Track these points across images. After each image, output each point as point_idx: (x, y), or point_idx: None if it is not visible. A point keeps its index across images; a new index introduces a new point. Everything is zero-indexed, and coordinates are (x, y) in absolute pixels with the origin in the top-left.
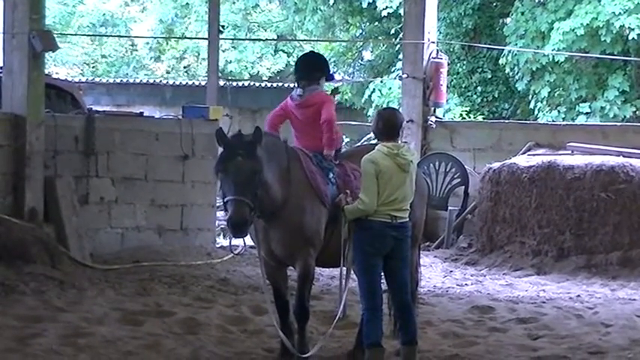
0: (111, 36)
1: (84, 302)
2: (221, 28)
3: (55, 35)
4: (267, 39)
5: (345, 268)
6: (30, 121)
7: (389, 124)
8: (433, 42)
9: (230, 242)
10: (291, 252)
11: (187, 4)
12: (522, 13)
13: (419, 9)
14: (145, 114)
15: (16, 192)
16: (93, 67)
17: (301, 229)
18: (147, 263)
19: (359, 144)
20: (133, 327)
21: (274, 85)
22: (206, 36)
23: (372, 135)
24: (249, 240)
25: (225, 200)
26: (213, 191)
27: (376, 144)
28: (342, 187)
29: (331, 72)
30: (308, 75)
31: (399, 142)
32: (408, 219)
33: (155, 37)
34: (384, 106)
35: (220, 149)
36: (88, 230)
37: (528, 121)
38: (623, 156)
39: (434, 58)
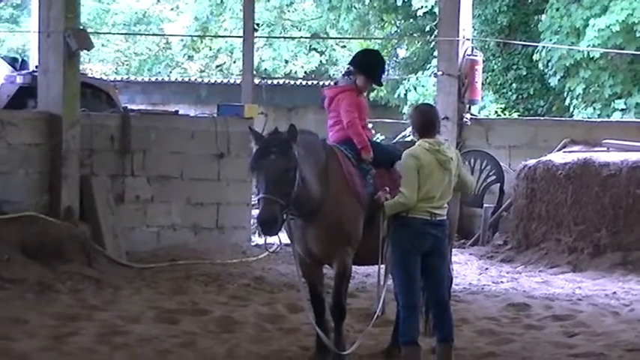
0: (146, 34)
1: (120, 301)
2: (256, 26)
3: (89, 34)
4: (302, 37)
5: (383, 266)
6: (66, 119)
7: (428, 120)
8: (468, 39)
9: (265, 240)
10: (329, 251)
11: (222, 1)
12: (557, 10)
13: (454, 6)
14: (179, 112)
15: (52, 191)
16: (126, 65)
17: (340, 228)
18: (182, 262)
19: (394, 141)
20: (168, 325)
21: (309, 83)
22: (241, 34)
23: (406, 132)
24: (284, 238)
25: (257, 198)
26: (248, 189)
27: (410, 141)
28: (379, 189)
29: (375, 74)
30: (347, 69)
31: (439, 137)
32: (446, 217)
33: (190, 36)
34: (420, 103)
35: (255, 146)
36: (123, 229)
37: (563, 118)
38: None
39: (469, 55)
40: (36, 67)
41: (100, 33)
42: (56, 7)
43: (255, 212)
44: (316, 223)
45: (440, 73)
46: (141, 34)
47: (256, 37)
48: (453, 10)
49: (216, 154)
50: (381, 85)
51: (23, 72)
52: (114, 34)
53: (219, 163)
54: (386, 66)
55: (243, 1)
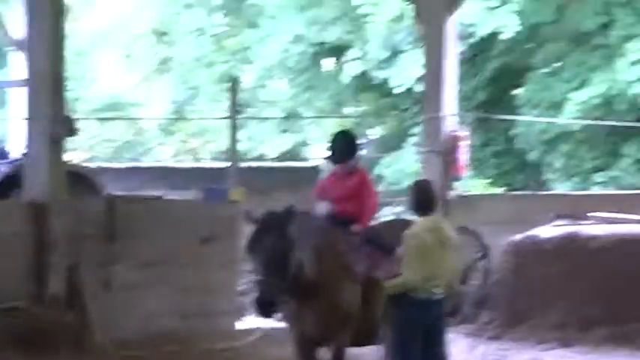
0: (131, 119)
1: None
2: (240, 108)
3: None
4: (284, 116)
5: (382, 346)
6: (52, 207)
7: (427, 197)
8: (452, 115)
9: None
10: (326, 332)
11: (197, 85)
12: (536, 83)
13: (437, 83)
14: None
15: (38, 279)
16: (99, 152)
17: (336, 309)
18: (170, 348)
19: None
20: None
21: (282, 165)
22: (219, 116)
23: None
24: (269, 322)
25: (254, 280)
26: (234, 274)
27: (400, 219)
28: (371, 265)
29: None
30: None
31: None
32: (443, 295)
33: (175, 119)
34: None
35: (251, 228)
36: (111, 316)
37: (549, 192)
38: None
39: (453, 131)
40: (23, 154)
41: (90, 119)
42: (43, 94)
43: (242, 296)
44: (312, 305)
45: (424, 149)
46: (126, 119)
47: (241, 118)
48: (436, 87)
49: (202, 238)
50: (341, 161)
51: (7, 160)
52: (106, 119)
53: (206, 248)
54: (343, 142)
55: (229, 84)
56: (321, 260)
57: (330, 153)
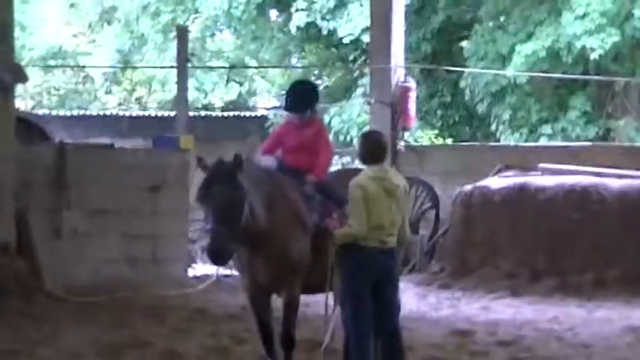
0: (79, 67)
1: (60, 336)
2: (189, 57)
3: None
4: (230, 66)
5: (330, 294)
6: (1, 154)
7: (374, 147)
8: (400, 67)
9: (217, 270)
10: (277, 280)
11: (142, 34)
12: (482, 36)
13: (385, 34)
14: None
15: None
16: (43, 100)
17: (287, 257)
18: (121, 295)
19: (335, 169)
20: None
21: (230, 114)
22: (164, 65)
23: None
24: (221, 269)
25: (206, 228)
26: (184, 221)
27: (351, 169)
28: (323, 214)
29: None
30: None
31: (385, 165)
32: (396, 244)
33: (123, 67)
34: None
35: (202, 177)
36: (61, 263)
37: (497, 144)
38: (595, 176)
39: (401, 82)
40: None
41: (42, 66)
42: None
43: (193, 244)
44: (263, 253)
45: (372, 100)
46: (71, 67)
47: (192, 67)
48: (384, 38)
49: (152, 186)
50: (300, 110)
51: None
52: (52, 67)
53: (155, 196)
54: (303, 91)
55: (177, 33)
56: (273, 209)
57: (287, 102)
